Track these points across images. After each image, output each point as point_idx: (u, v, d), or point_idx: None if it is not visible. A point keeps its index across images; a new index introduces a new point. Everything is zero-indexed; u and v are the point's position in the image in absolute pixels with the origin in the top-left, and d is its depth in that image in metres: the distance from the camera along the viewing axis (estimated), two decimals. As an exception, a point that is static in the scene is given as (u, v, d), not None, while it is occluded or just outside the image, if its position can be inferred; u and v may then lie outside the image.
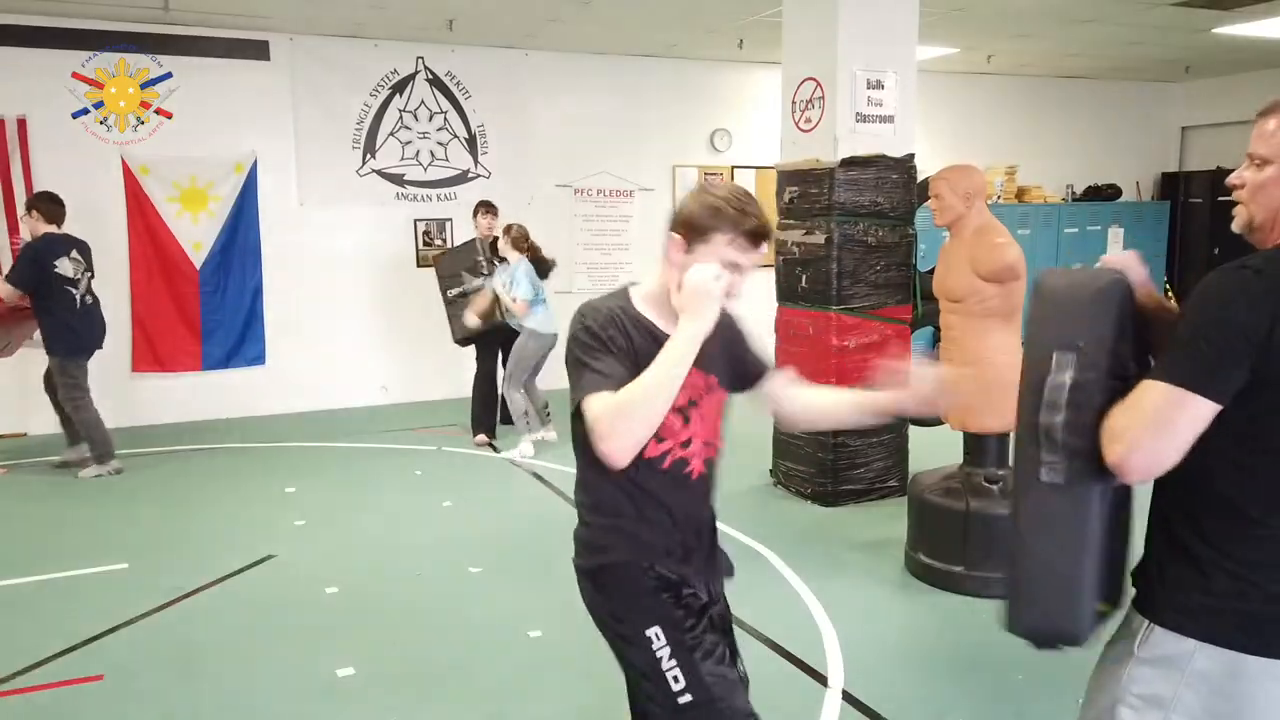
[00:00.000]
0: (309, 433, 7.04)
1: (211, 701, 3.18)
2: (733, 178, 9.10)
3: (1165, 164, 11.09)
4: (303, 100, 7.52)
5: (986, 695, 3.18)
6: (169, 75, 7.12)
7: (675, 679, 1.82)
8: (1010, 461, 1.70)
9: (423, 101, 7.91)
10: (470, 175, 8.13)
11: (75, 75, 6.87)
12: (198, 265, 7.34)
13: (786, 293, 5.45)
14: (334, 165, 7.67)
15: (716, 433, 2.00)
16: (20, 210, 6.31)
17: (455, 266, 6.75)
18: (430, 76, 7.91)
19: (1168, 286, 10.44)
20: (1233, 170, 1.60)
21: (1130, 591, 1.63)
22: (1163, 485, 1.55)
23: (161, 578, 4.20)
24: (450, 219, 8.05)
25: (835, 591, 4.01)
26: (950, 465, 4.33)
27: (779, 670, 3.34)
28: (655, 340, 1.79)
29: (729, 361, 2.00)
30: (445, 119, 8.01)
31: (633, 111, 8.48)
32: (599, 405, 1.69)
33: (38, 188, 6.54)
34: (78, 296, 5.76)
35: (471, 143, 8.12)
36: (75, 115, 6.90)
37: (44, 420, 6.41)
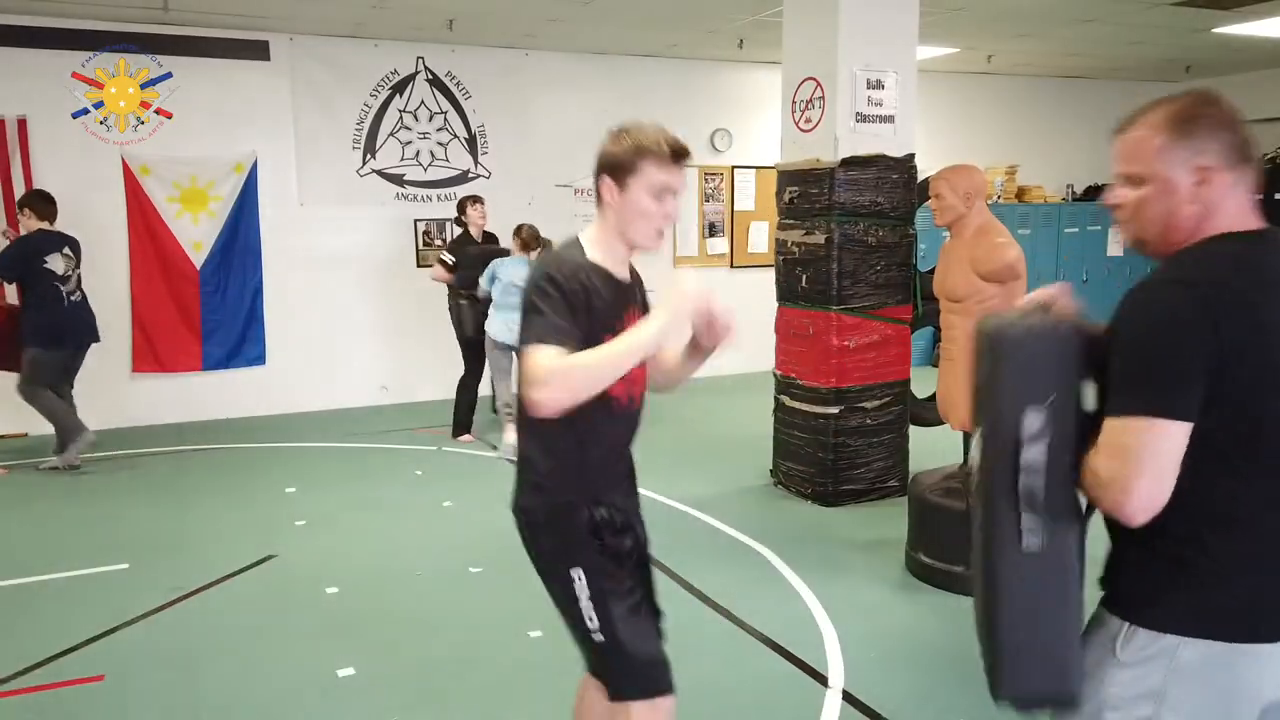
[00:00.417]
0: (309, 433, 7.04)
1: (211, 701, 3.18)
2: (732, 177, 9.11)
3: (1165, 164, 11.07)
4: (303, 100, 7.52)
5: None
6: (169, 75, 7.12)
7: (590, 618, 1.98)
8: (974, 524, 1.61)
9: (423, 101, 7.91)
10: (470, 175, 8.13)
11: (75, 75, 6.87)
12: (198, 265, 7.34)
13: (787, 292, 5.45)
14: (334, 165, 7.67)
15: (644, 365, 2.12)
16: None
17: (475, 266, 6.56)
18: (430, 76, 7.91)
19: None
20: None
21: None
22: None
23: (161, 578, 4.20)
24: (450, 219, 8.04)
25: (835, 591, 4.01)
26: (950, 465, 4.33)
27: (779, 670, 3.34)
28: (611, 282, 1.98)
29: (645, 309, 2.13)
30: (445, 119, 8.01)
31: (633, 111, 8.30)
32: (548, 358, 1.79)
33: (38, 188, 6.55)
34: (65, 293, 5.81)
35: (471, 143, 8.12)
36: (75, 115, 6.90)
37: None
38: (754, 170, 9.14)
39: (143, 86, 7.06)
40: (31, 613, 3.91)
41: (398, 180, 7.91)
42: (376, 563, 4.43)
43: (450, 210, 8.02)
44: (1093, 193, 10.44)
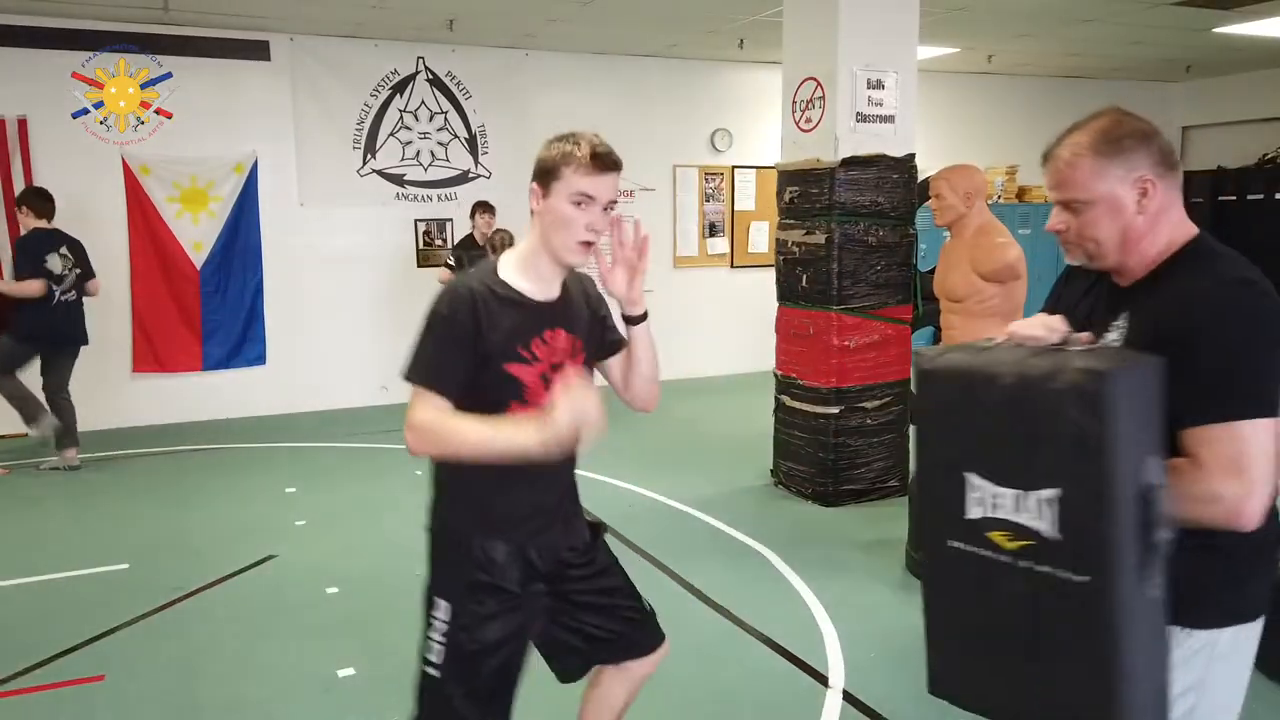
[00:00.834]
0: (309, 433, 7.04)
1: (211, 701, 3.18)
2: (733, 177, 9.11)
3: (1166, 164, 11.08)
4: (303, 100, 7.52)
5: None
6: (169, 75, 7.11)
7: (430, 648, 1.99)
8: (1098, 595, 1.41)
9: (423, 101, 7.91)
10: (470, 175, 8.13)
11: (75, 75, 6.87)
12: (198, 265, 7.34)
13: (787, 292, 5.45)
14: (334, 165, 7.67)
15: None
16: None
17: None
18: (430, 76, 7.91)
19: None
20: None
21: None
22: None
23: (161, 578, 4.20)
24: (450, 219, 8.05)
25: (835, 591, 4.01)
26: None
27: (779, 670, 3.34)
28: (518, 306, 1.88)
29: (592, 328, 2.05)
30: (445, 119, 8.01)
31: (633, 111, 8.48)
32: (425, 410, 1.79)
33: (35, 185, 6.55)
34: (57, 292, 5.79)
35: (472, 143, 8.12)
36: (75, 115, 6.90)
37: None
38: (754, 170, 9.14)
39: (143, 86, 7.06)
40: (31, 613, 3.91)
41: (398, 180, 7.91)
42: (376, 563, 4.42)
43: (450, 210, 8.05)
44: (1093, 193, 10.43)
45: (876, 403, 5.23)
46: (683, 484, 5.54)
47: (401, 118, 7.86)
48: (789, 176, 5.37)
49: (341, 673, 3.35)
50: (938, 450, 1.59)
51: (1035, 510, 1.41)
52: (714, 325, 9.01)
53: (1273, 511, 1.51)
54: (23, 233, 5.91)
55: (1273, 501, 1.46)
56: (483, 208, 6.95)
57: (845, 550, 4.55)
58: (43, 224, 5.84)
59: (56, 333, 5.92)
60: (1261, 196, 9.24)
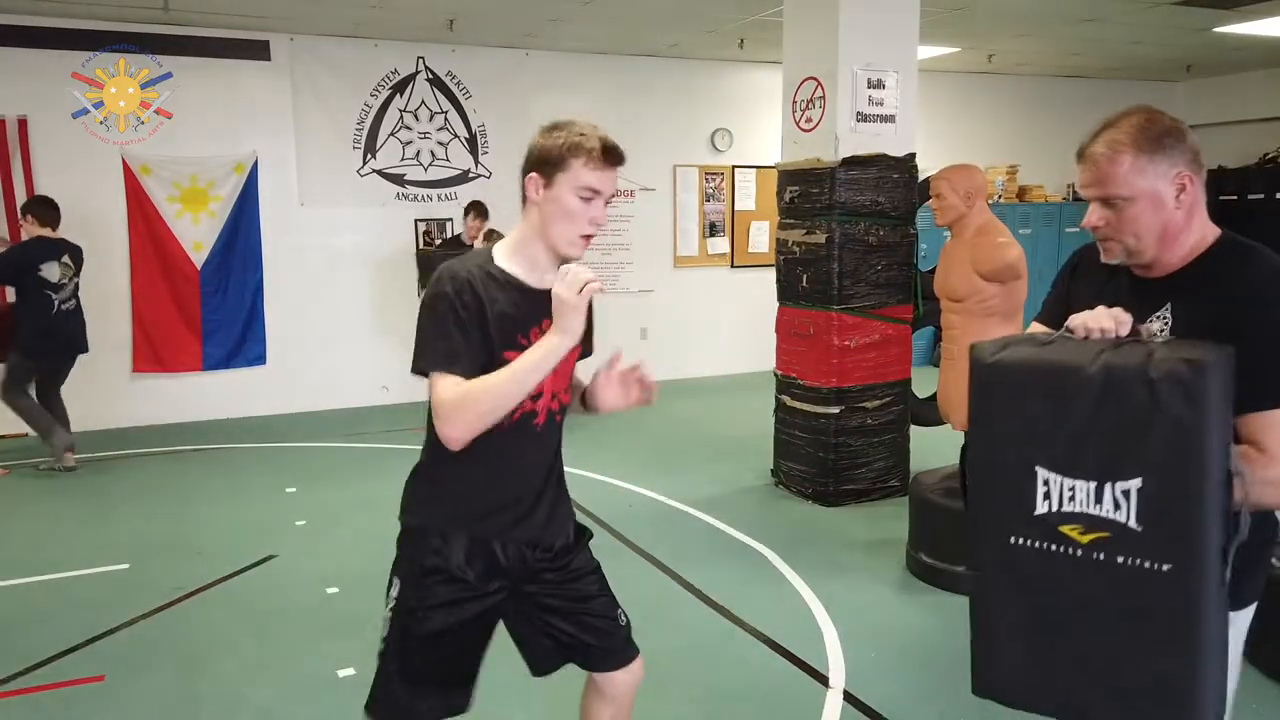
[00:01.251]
0: (309, 433, 7.04)
1: (212, 701, 3.18)
2: (733, 177, 9.11)
3: (1166, 163, 11.07)
4: (303, 100, 7.52)
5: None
6: (169, 75, 7.11)
7: (383, 623, 1.99)
8: (1182, 593, 1.42)
9: (423, 101, 7.91)
10: (471, 175, 8.13)
11: (75, 75, 6.86)
12: (198, 265, 7.34)
13: (787, 292, 5.45)
14: (334, 165, 7.67)
15: (566, 386, 2.01)
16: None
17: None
18: (430, 76, 7.91)
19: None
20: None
21: None
22: None
23: (161, 578, 4.20)
24: (450, 219, 8.04)
25: (835, 591, 4.01)
26: (951, 465, 4.32)
27: (779, 670, 3.34)
28: (519, 291, 1.85)
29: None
30: (445, 119, 8.01)
31: (633, 111, 8.47)
32: (448, 390, 1.74)
33: (38, 188, 6.57)
34: (56, 301, 5.78)
35: (472, 143, 8.12)
36: (75, 115, 6.89)
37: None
38: (754, 170, 9.13)
39: (143, 86, 7.06)
40: (31, 613, 3.91)
41: (398, 180, 7.90)
42: (377, 563, 4.38)
43: (450, 210, 8.05)
44: (1093, 192, 10.44)
45: (877, 403, 5.22)
46: (683, 484, 5.54)
47: (401, 117, 7.86)
48: (789, 176, 5.37)
49: (341, 673, 3.35)
50: (1003, 445, 1.53)
51: (1113, 502, 1.41)
52: (714, 325, 9.01)
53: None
54: (23, 239, 5.89)
55: None
56: (475, 210, 6.94)
57: (845, 550, 4.55)
58: (46, 232, 5.81)
59: (58, 343, 5.91)
60: (1262, 196, 9.23)
